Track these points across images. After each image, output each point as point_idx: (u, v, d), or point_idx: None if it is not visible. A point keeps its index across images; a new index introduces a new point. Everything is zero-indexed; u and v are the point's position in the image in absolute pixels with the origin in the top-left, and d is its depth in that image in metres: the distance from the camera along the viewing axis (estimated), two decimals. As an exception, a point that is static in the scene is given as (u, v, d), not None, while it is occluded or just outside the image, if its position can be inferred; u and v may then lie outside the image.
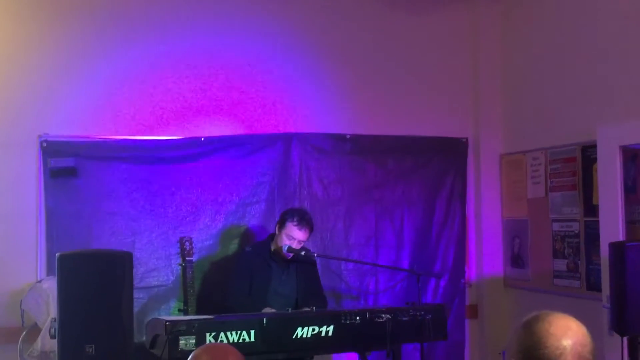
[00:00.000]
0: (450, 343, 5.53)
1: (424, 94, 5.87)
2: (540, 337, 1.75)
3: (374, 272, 5.58)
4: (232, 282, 4.73)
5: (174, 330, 3.91)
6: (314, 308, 4.45)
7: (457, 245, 5.80)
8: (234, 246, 5.25)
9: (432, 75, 5.91)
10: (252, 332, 4.10)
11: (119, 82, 5.14)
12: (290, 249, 4.66)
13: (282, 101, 5.52)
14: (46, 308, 4.49)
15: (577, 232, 5.16)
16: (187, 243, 4.79)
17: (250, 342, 4.08)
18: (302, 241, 4.68)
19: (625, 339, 4.32)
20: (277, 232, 4.72)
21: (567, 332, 1.75)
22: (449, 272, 5.75)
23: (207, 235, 5.19)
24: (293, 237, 4.63)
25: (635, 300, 4.14)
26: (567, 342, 1.73)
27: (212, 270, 5.16)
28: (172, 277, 5.07)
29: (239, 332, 4.06)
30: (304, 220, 4.68)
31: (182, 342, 3.91)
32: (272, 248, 4.73)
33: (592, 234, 4.98)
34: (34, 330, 4.60)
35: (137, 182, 5.06)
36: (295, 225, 4.63)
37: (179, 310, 4.80)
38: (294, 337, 4.21)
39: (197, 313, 4.45)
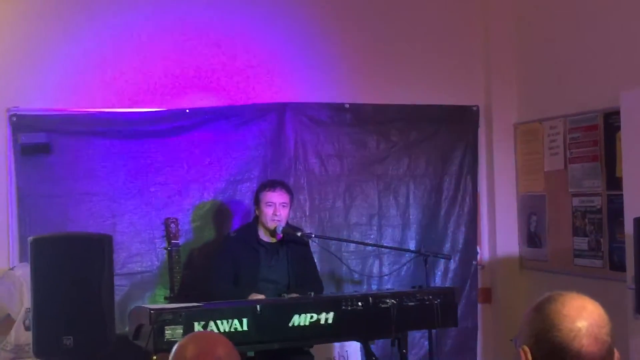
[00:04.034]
0: (462, 330, 5.56)
1: (430, 59, 5.85)
2: (553, 319, 1.75)
3: (377, 254, 5.60)
4: (216, 271, 4.76)
5: (160, 320, 3.92)
6: (312, 293, 4.47)
7: (468, 224, 5.81)
8: (224, 227, 5.27)
9: (439, 38, 5.88)
10: (245, 320, 4.11)
11: (96, 51, 5.13)
12: (284, 230, 4.68)
13: (274, 68, 5.50)
14: (20, 297, 4.51)
15: (599, 207, 5.16)
16: (172, 225, 4.82)
17: (243, 332, 4.10)
18: (285, 204, 4.72)
19: (651, 322, 4.34)
20: (257, 212, 4.77)
21: (582, 312, 1.75)
22: (460, 253, 5.77)
23: (194, 216, 5.21)
24: (272, 202, 4.69)
25: (662, 280, 4.16)
26: (582, 324, 1.73)
27: (200, 254, 5.18)
28: (156, 263, 5.09)
29: (230, 320, 4.08)
30: (275, 182, 4.81)
31: (168, 332, 3.92)
32: (261, 231, 4.75)
33: (615, 209, 4.99)
34: (7, 321, 4.61)
35: (117, 159, 5.06)
36: (268, 191, 4.71)
37: (165, 298, 4.83)
38: (290, 325, 4.22)
39: (180, 302, 4.47)
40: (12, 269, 4.71)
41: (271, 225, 4.69)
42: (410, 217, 5.71)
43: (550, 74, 5.64)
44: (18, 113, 4.92)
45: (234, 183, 5.31)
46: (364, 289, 5.47)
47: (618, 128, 4.94)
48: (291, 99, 5.49)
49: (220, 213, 5.29)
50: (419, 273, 5.05)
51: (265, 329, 4.19)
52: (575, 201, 5.36)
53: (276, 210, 4.69)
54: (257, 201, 4.78)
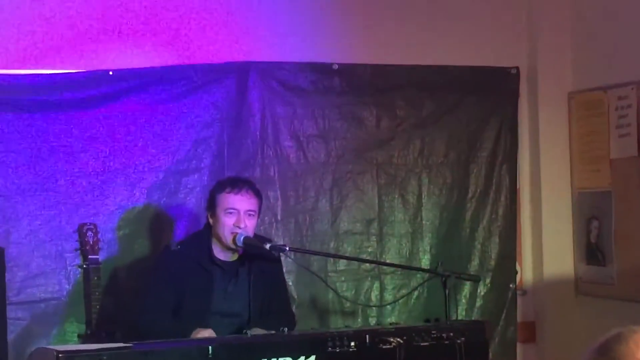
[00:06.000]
0: (495, 380, 5.59)
1: (452, 3, 5.89)
2: (624, 363, 1.78)
3: (377, 274, 5.63)
4: (150, 298, 4.74)
5: (71, 366, 3.91)
6: (286, 329, 4.47)
7: (504, 232, 5.85)
8: (162, 237, 5.28)
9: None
10: (192, 366, 4.13)
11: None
12: (247, 241, 4.66)
13: (233, 15, 5.51)
14: None
15: (685, 209, 5.20)
16: (90, 233, 4.84)
17: (188, 383, 4.12)
18: (252, 212, 4.73)
19: None
20: (211, 219, 4.77)
21: (663, 355, 1.80)
22: (492, 274, 5.81)
23: (121, 221, 5.21)
24: (234, 208, 4.69)
25: None
26: (662, 371, 1.78)
27: (128, 274, 5.19)
28: (67, 286, 5.09)
29: (171, 367, 4.10)
30: (239, 181, 4.80)
31: (83, 383, 3.94)
32: (215, 245, 4.76)
33: None
34: None
35: (10, 142, 5.04)
36: (229, 193, 4.71)
37: (79, 336, 4.84)
38: (255, 373, 4.24)
39: (101, 341, 4.46)
40: None
41: (229, 237, 4.67)
42: (424, 222, 5.74)
43: (618, 24, 5.65)
44: None
45: (177, 174, 5.32)
46: (358, 323, 5.49)
47: None
48: (257, 56, 5.51)
49: (157, 217, 5.31)
50: (436, 301, 5.06)
51: (221, 379, 4.20)
52: (653, 200, 5.39)
53: (240, 221, 4.68)
54: (212, 205, 4.77)
